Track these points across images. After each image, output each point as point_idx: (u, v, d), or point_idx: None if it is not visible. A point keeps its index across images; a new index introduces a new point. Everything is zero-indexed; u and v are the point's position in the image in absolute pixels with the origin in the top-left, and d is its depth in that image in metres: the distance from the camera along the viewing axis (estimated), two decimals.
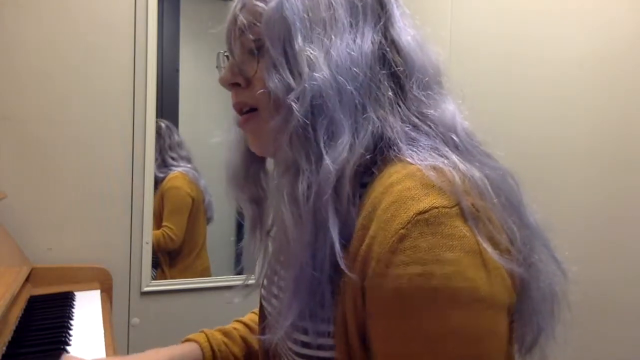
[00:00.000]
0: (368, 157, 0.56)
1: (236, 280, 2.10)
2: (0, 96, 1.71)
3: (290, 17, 0.57)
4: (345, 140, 0.55)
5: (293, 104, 0.55)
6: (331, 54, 0.56)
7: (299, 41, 0.57)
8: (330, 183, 0.54)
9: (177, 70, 2.38)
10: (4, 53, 1.71)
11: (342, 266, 0.53)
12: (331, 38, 0.57)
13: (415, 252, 0.48)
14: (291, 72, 0.57)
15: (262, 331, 0.73)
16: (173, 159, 2.24)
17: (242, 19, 0.61)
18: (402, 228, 0.49)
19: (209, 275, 2.23)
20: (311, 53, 0.56)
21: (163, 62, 2.20)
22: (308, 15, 0.57)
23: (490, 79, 1.81)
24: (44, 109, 1.75)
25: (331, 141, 0.55)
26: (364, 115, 0.56)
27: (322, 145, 0.55)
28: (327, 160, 0.54)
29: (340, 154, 0.54)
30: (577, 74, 1.62)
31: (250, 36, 0.60)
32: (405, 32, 0.61)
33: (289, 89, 0.56)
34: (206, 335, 0.83)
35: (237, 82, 0.63)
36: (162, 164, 2.19)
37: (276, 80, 0.57)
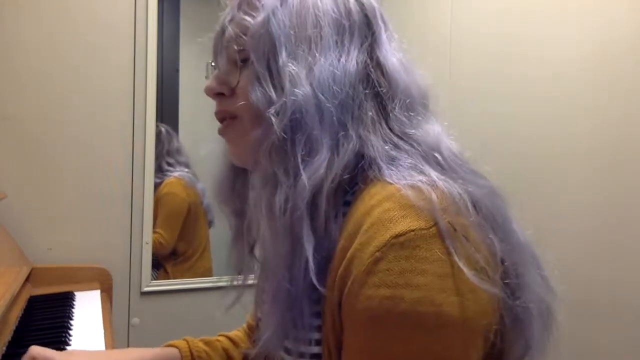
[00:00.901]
0: (348, 175, 0.57)
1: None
2: (0, 96, 1.71)
3: (275, 32, 0.58)
4: (322, 157, 0.55)
5: (272, 117, 0.56)
6: (314, 71, 0.57)
7: (282, 57, 0.58)
8: (304, 198, 0.55)
9: (177, 71, 2.38)
10: (4, 53, 1.71)
11: (315, 281, 0.53)
12: (315, 56, 0.58)
13: (387, 275, 0.49)
14: (273, 86, 0.58)
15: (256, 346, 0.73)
16: (169, 164, 2.23)
17: (229, 31, 0.62)
18: (378, 251, 0.50)
19: (211, 276, 2.23)
20: (293, 69, 0.57)
21: (163, 62, 2.20)
22: (294, 32, 0.58)
23: (490, 79, 1.81)
24: (44, 109, 1.76)
25: (308, 157, 0.55)
26: (344, 134, 0.57)
27: (299, 160, 0.55)
28: (304, 175, 0.55)
29: (316, 170, 0.55)
30: (577, 74, 1.62)
31: (235, 47, 0.61)
32: (392, 54, 0.62)
33: (270, 103, 0.57)
34: (187, 342, 0.83)
35: (221, 91, 0.64)
36: (158, 169, 2.18)
37: (259, 93, 0.58)
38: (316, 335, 0.57)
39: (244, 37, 0.61)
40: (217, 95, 0.65)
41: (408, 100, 0.61)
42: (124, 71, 1.85)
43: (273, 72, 0.58)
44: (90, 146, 1.81)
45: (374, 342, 0.49)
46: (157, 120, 1.94)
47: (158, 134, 2.08)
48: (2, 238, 1.50)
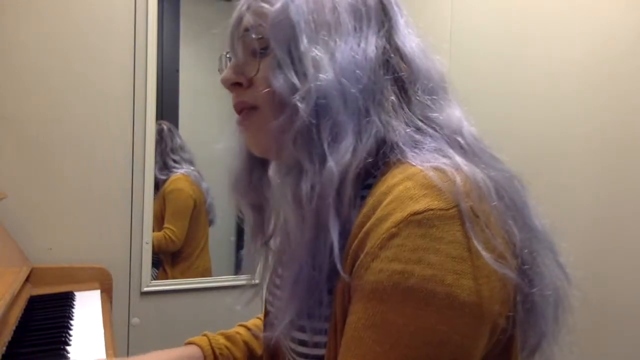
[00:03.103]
0: (370, 160, 0.57)
1: (236, 280, 2.12)
2: (1, 96, 1.71)
3: (295, 18, 0.58)
4: (348, 142, 0.55)
5: (298, 103, 0.56)
6: (336, 57, 0.57)
7: (304, 42, 0.57)
8: (333, 185, 0.55)
9: (177, 71, 2.38)
10: (4, 53, 1.71)
11: (339, 269, 0.53)
12: (336, 41, 0.58)
13: (400, 251, 0.49)
14: (296, 73, 0.57)
15: (265, 331, 0.73)
16: (175, 161, 2.24)
17: (247, 19, 0.62)
18: (394, 226, 0.49)
19: (210, 276, 2.23)
20: (317, 54, 0.57)
21: (163, 62, 2.20)
22: (313, 17, 0.58)
23: (490, 79, 1.81)
24: (44, 109, 1.76)
25: (335, 143, 0.55)
26: (368, 119, 0.57)
27: (325, 146, 0.55)
28: (331, 162, 0.55)
29: (343, 156, 0.55)
30: (577, 74, 1.62)
31: (254, 36, 0.61)
32: (410, 39, 0.62)
33: (293, 89, 0.57)
34: (208, 339, 0.83)
35: (239, 81, 0.63)
36: (164, 166, 2.19)
37: (281, 80, 0.58)
38: (329, 312, 0.57)
39: (263, 25, 0.60)
40: (233, 85, 0.64)
41: (430, 85, 0.61)
42: (124, 71, 1.85)
43: (295, 59, 0.58)
44: (90, 146, 1.81)
45: (379, 315, 0.49)
46: (157, 120, 1.95)
47: (160, 132, 2.09)
48: (2, 238, 1.50)
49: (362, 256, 0.51)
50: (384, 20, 0.62)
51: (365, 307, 0.50)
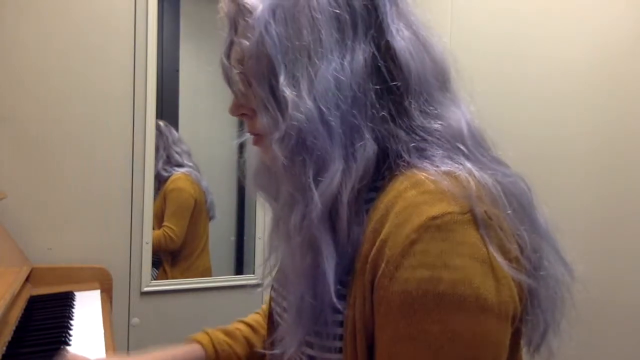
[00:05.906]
0: (369, 179, 0.56)
1: (236, 280, 2.12)
2: (1, 96, 1.71)
3: (271, 51, 0.55)
4: (335, 169, 0.54)
5: (276, 145, 0.55)
6: (315, 84, 0.54)
7: (282, 76, 0.55)
8: (317, 216, 0.54)
9: (177, 71, 2.38)
10: (4, 53, 1.71)
11: (336, 302, 0.53)
12: (316, 64, 0.55)
13: (424, 257, 0.48)
14: (279, 109, 0.56)
15: (271, 342, 0.72)
16: (178, 154, 2.25)
17: (233, 55, 0.60)
18: (414, 232, 0.49)
19: (210, 275, 2.23)
20: (292, 91, 0.54)
21: (163, 62, 2.20)
22: (291, 44, 0.55)
23: (490, 78, 1.81)
24: (44, 109, 1.76)
25: (320, 174, 0.54)
26: (359, 139, 0.55)
27: (310, 179, 0.54)
28: (316, 194, 0.54)
29: (329, 185, 0.54)
30: (577, 74, 1.62)
31: (240, 75, 0.60)
32: (401, 35, 0.58)
33: (277, 126, 0.56)
34: (209, 336, 0.83)
35: (243, 113, 0.63)
36: (167, 160, 2.20)
37: (265, 119, 0.57)
38: (339, 331, 0.57)
39: (243, 62, 0.59)
40: (241, 115, 0.64)
41: (425, 93, 0.58)
42: (124, 71, 1.85)
43: (277, 93, 0.56)
44: (90, 146, 1.81)
45: (412, 325, 0.49)
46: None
47: (158, 128, 2.09)
48: (2, 238, 1.50)
49: (383, 265, 0.50)
50: (372, 21, 0.57)
51: (397, 320, 0.50)
